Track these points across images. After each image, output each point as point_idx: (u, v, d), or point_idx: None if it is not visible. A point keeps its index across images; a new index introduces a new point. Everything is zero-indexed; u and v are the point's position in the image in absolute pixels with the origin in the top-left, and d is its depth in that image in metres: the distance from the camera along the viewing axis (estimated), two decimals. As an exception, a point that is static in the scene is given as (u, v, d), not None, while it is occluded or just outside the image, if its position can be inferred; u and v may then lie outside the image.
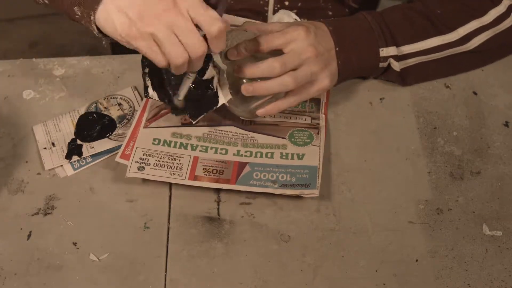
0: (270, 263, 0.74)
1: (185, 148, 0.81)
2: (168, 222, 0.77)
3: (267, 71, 0.74)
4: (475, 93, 0.90)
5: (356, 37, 0.82)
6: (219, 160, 0.79)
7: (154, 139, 0.81)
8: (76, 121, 0.85)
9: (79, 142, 0.83)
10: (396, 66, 0.84)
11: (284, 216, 0.77)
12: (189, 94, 0.76)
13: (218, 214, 0.77)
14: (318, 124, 0.83)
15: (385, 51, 0.83)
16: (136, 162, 0.78)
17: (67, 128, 0.84)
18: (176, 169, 0.78)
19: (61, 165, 0.81)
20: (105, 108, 0.86)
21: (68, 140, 0.83)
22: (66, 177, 0.81)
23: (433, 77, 0.89)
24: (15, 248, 0.75)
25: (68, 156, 0.81)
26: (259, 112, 0.79)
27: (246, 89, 0.75)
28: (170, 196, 0.79)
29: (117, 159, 0.79)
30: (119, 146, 0.81)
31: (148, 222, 0.77)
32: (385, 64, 0.84)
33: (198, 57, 0.67)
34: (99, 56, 0.93)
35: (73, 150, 0.82)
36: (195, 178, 0.78)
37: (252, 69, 0.75)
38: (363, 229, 0.76)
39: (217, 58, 0.76)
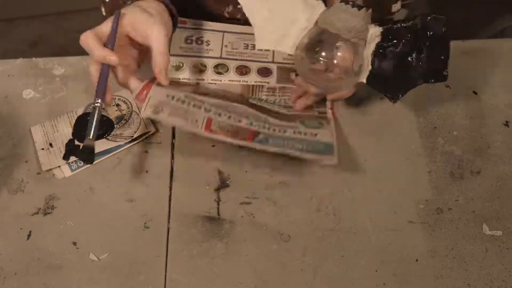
0: (270, 263, 0.74)
1: (199, 108, 0.77)
2: (168, 222, 0.77)
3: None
4: (475, 93, 0.90)
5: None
6: (233, 125, 0.77)
7: (168, 95, 0.76)
8: (73, 122, 0.85)
9: (76, 143, 0.83)
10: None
11: (284, 216, 0.77)
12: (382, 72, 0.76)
13: (218, 214, 0.77)
14: (326, 114, 0.84)
15: (396, 7, 0.84)
16: (150, 106, 0.73)
17: (64, 129, 0.84)
18: (192, 122, 0.74)
19: (59, 166, 0.81)
20: (103, 109, 0.86)
21: (65, 141, 0.83)
22: (65, 177, 0.81)
23: None
24: (15, 248, 0.75)
25: (66, 157, 0.81)
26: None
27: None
28: (170, 196, 0.79)
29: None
30: (117, 147, 0.82)
31: (148, 222, 0.77)
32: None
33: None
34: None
35: (71, 151, 0.82)
36: (211, 131, 0.74)
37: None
38: (363, 229, 0.76)
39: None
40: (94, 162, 0.74)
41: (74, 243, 0.75)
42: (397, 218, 0.77)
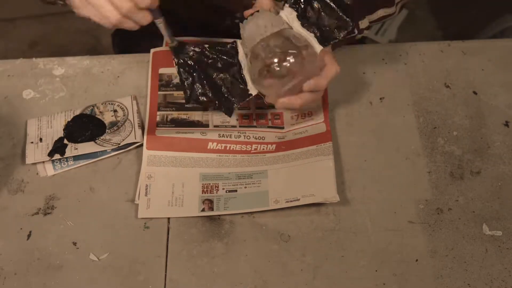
0: (270, 263, 0.74)
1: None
2: (168, 222, 0.77)
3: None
4: (475, 93, 0.90)
5: None
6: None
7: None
8: (69, 120, 0.85)
9: (65, 142, 0.83)
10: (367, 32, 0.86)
11: (284, 216, 0.77)
12: (217, 92, 0.79)
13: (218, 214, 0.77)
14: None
15: (363, 23, 0.83)
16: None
17: (58, 126, 0.84)
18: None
19: (43, 162, 0.81)
20: (100, 112, 0.86)
21: (56, 138, 0.83)
22: (66, 177, 0.81)
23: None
24: (15, 248, 0.75)
25: (51, 154, 0.81)
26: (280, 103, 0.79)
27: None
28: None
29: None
30: (103, 152, 0.82)
31: (148, 222, 0.77)
32: (359, 36, 0.85)
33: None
34: (99, 56, 0.93)
35: (57, 148, 0.82)
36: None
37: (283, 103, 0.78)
38: (363, 229, 0.76)
39: (241, 55, 0.79)
40: (76, 165, 0.80)
41: (74, 243, 0.75)
42: (397, 218, 0.77)
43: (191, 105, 0.82)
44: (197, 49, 0.80)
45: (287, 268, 0.73)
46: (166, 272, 0.73)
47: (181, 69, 0.80)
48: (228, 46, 0.79)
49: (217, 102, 0.79)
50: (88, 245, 0.75)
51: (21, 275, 0.73)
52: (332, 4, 0.75)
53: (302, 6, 0.75)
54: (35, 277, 0.73)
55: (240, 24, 0.77)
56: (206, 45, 0.80)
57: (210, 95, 0.79)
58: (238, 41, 0.79)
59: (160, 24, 0.79)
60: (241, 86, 0.78)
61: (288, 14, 0.75)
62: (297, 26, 0.75)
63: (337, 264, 0.74)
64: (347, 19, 0.75)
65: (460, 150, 0.84)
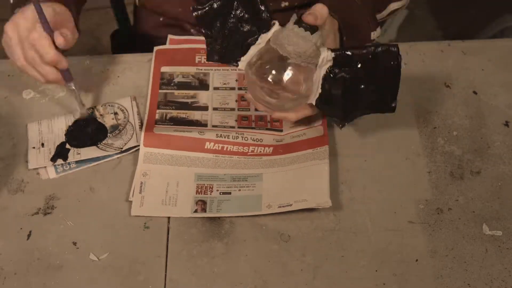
0: (270, 263, 0.74)
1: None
2: (168, 222, 0.77)
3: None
4: (475, 93, 0.90)
5: (357, 25, 0.82)
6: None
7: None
8: (70, 124, 0.85)
9: (67, 146, 0.82)
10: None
11: (284, 216, 0.77)
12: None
13: (218, 214, 0.78)
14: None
15: (375, 34, 0.84)
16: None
17: (59, 131, 0.84)
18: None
19: (45, 167, 0.81)
20: (100, 115, 0.86)
21: (57, 143, 0.83)
22: (66, 177, 0.81)
23: None
24: (15, 248, 0.75)
25: (54, 159, 0.81)
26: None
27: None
28: (170, 196, 0.79)
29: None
30: (106, 156, 0.82)
31: (148, 222, 0.77)
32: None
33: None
34: (99, 56, 0.93)
35: (60, 153, 0.82)
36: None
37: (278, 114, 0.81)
38: (363, 229, 0.76)
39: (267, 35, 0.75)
40: (78, 169, 0.81)
41: (74, 243, 0.75)
42: (397, 218, 0.77)
43: (194, 15, 0.76)
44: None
45: (287, 268, 0.73)
46: (166, 272, 0.73)
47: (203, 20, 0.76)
48: (265, 15, 0.74)
49: (211, 39, 0.77)
50: (88, 245, 0.75)
51: (21, 275, 0.73)
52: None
53: (337, 70, 0.73)
54: (35, 277, 0.73)
55: (292, 18, 0.73)
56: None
57: (213, 30, 0.76)
58: (277, 25, 0.74)
59: (71, 88, 0.81)
60: (239, 51, 0.76)
61: (326, 59, 0.73)
62: (321, 72, 0.74)
63: (337, 264, 0.74)
64: (348, 116, 0.78)
65: (460, 150, 0.84)
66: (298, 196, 0.77)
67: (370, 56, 0.72)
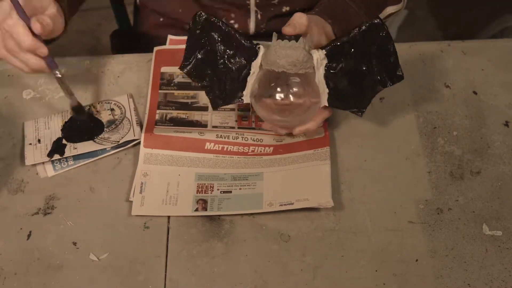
0: (270, 263, 0.74)
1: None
2: (168, 222, 0.77)
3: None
4: (475, 93, 0.90)
5: (350, 24, 0.82)
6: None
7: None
8: (66, 120, 0.85)
9: (64, 142, 0.82)
10: None
11: (284, 216, 0.77)
12: (216, 78, 0.78)
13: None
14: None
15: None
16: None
17: (56, 127, 0.84)
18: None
19: (42, 163, 0.81)
20: (97, 111, 0.86)
21: (54, 139, 0.83)
22: (66, 176, 0.81)
23: None
24: (15, 248, 0.75)
25: (50, 154, 0.81)
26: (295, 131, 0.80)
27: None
28: (170, 196, 0.79)
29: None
30: (103, 151, 0.82)
31: (148, 222, 0.77)
32: None
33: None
34: (99, 56, 0.93)
35: (56, 149, 0.82)
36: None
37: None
38: (363, 229, 0.76)
39: (256, 62, 0.76)
40: (77, 165, 0.81)
41: (74, 243, 0.75)
42: (397, 218, 0.77)
43: (183, 72, 0.79)
44: (222, 26, 0.76)
45: (287, 268, 0.73)
46: (166, 272, 0.73)
47: (192, 37, 0.77)
48: (248, 44, 0.75)
49: (208, 88, 0.79)
50: (88, 245, 0.75)
51: (21, 275, 0.73)
52: (359, 83, 0.76)
53: (335, 64, 0.74)
54: (35, 277, 0.73)
55: (274, 36, 0.75)
56: (231, 29, 0.76)
57: (207, 79, 0.78)
58: (262, 48, 0.75)
59: (57, 76, 0.79)
60: (238, 87, 0.77)
61: (320, 58, 0.74)
62: (321, 73, 0.75)
63: (337, 264, 0.74)
64: (364, 101, 0.77)
65: (460, 150, 0.84)
66: (299, 195, 0.77)
67: (359, 37, 0.73)
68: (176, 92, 0.88)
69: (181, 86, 0.89)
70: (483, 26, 1.76)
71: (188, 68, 0.78)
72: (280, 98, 0.74)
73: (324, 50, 0.73)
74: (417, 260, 0.74)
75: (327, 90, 0.75)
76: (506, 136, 0.85)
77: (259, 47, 0.75)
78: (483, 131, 0.86)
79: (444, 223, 0.77)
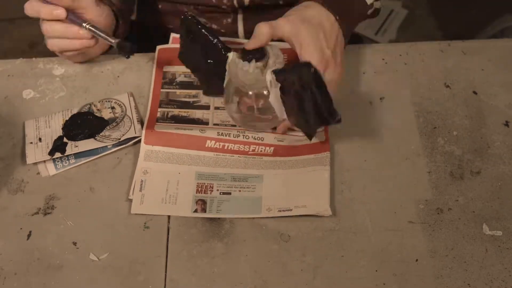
0: (270, 263, 0.74)
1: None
2: (168, 222, 0.77)
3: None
4: (475, 93, 0.90)
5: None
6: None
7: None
8: (67, 118, 0.85)
9: (65, 140, 0.83)
10: (378, 4, 0.87)
11: (284, 216, 0.77)
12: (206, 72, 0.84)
13: (218, 214, 0.77)
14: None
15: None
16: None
17: (57, 126, 0.84)
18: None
19: (44, 161, 0.81)
20: (98, 110, 0.86)
21: (55, 137, 0.83)
22: (66, 176, 0.81)
23: None
24: (15, 248, 0.75)
25: (51, 153, 0.81)
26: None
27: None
28: (170, 196, 0.79)
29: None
30: (104, 148, 0.82)
31: (148, 222, 0.77)
32: (371, 10, 0.86)
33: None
34: (99, 56, 0.93)
35: (57, 147, 0.82)
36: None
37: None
38: (363, 229, 0.76)
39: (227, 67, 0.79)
40: (78, 163, 0.82)
41: (74, 243, 0.75)
42: (397, 218, 0.77)
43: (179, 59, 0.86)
44: (198, 25, 0.79)
45: (287, 268, 0.73)
46: (166, 272, 0.73)
47: (184, 30, 0.82)
48: (221, 48, 0.79)
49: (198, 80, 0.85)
50: (88, 245, 0.75)
51: (21, 275, 0.73)
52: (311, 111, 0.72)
53: (286, 87, 0.74)
54: (35, 277, 0.73)
55: (234, 51, 0.78)
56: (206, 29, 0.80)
57: (198, 70, 0.84)
58: (230, 56, 0.78)
59: (88, 27, 0.80)
60: (220, 84, 0.81)
61: (273, 80, 0.74)
62: (277, 92, 0.75)
63: (337, 264, 0.74)
64: (311, 129, 0.77)
65: (460, 150, 0.84)
66: (298, 201, 0.77)
67: (294, 69, 0.72)
68: (178, 91, 0.88)
69: (183, 85, 0.89)
70: (483, 26, 1.76)
71: (182, 57, 0.84)
72: (245, 105, 0.78)
73: (273, 74, 0.74)
74: (417, 260, 0.74)
75: (283, 108, 0.76)
76: (506, 136, 0.85)
77: (227, 56, 0.78)
78: (483, 131, 0.85)
79: (444, 223, 0.77)
